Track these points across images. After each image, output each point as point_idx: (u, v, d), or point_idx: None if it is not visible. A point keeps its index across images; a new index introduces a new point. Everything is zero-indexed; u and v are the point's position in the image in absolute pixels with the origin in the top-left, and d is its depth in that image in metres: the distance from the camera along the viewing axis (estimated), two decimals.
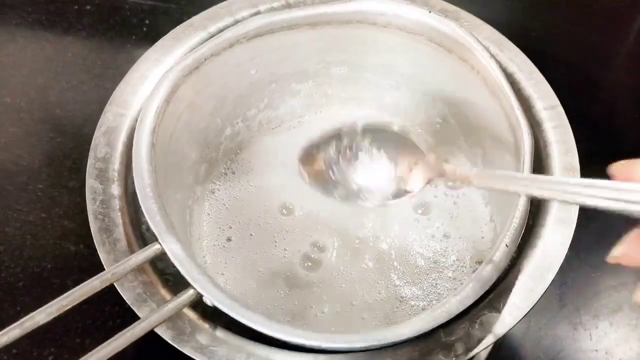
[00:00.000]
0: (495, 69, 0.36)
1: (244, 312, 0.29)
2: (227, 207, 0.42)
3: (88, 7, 0.60)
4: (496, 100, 0.36)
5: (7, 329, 0.27)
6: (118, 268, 0.30)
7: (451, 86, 0.41)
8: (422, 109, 0.44)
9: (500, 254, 0.31)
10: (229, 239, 0.41)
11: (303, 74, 0.43)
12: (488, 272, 0.30)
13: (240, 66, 0.39)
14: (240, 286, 0.39)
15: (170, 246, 0.30)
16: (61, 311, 0.28)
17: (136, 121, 0.35)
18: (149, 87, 0.37)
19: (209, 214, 0.42)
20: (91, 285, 0.29)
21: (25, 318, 0.27)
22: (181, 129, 0.37)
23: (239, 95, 0.42)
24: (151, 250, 0.31)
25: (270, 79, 0.42)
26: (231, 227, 0.41)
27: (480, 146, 0.42)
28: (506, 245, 0.31)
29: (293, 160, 0.35)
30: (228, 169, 0.44)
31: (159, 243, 0.31)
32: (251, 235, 0.41)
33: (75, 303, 0.28)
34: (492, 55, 0.36)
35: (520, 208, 0.32)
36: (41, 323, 0.28)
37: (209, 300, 0.30)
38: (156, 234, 0.31)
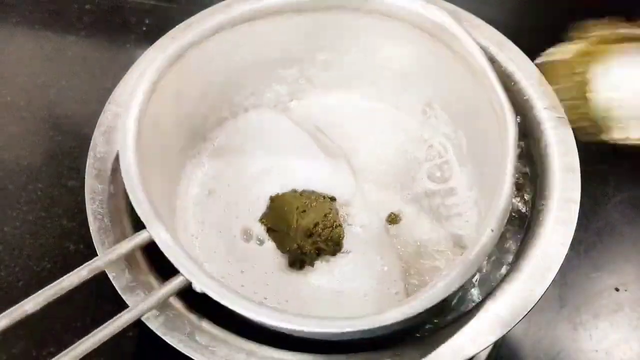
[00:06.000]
0: (478, 54, 0.35)
1: (233, 298, 0.29)
2: (211, 193, 0.42)
3: (88, 7, 0.60)
4: (481, 87, 0.35)
5: None
6: (106, 257, 0.30)
7: (435, 71, 0.40)
8: (406, 94, 0.43)
9: (485, 239, 0.30)
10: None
11: (288, 60, 0.43)
12: (473, 257, 0.29)
13: (225, 53, 0.39)
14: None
15: (157, 232, 0.30)
16: (48, 300, 0.28)
17: None
18: None
19: (194, 203, 0.41)
20: (79, 275, 0.29)
21: (13, 308, 0.27)
22: (166, 117, 0.37)
23: (225, 82, 0.41)
24: (140, 237, 0.31)
25: (255, 66, 0.42)
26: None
27: (464, 134, 0.41)
28: (491, 230, 0.30)
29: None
30: (214, 155, 0.43)
31: (147, 230, 0.31)
32: (237, 217, 0.41)
33: (64, 292, 0.28)
34: (475, 40, 0.36)
35: (504, 191, 0.31)
36: (29, 312, 0.27)
37: (198, 286, 0.29)
38: (144, 221, 0.31)
